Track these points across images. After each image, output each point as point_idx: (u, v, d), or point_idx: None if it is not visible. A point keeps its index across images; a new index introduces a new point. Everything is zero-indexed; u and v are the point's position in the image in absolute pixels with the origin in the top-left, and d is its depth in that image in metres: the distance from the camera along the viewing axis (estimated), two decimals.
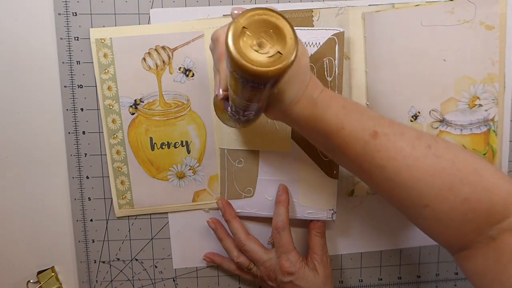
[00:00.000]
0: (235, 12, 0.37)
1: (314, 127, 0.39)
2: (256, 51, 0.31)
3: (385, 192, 0.40)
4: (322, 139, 0.40)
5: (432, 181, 0.37)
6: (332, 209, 0.52)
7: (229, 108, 0.40)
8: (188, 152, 0.53)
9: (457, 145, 0.40)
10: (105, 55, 0.51)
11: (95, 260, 0.56)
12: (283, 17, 0.32)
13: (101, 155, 0.53)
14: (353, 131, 0.38)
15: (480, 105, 0.52)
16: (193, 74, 0.52)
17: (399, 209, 0.41)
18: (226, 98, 0.39)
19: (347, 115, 0.38)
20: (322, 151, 0.42)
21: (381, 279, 0.59)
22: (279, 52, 0.31)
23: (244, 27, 0.31)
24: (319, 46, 0.50)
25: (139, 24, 0.51)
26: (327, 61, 0.50)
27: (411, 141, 0.38)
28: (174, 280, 0.57)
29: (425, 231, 0.41)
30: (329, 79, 0.50)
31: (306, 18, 0.51)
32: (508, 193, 0.37)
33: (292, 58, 0.31)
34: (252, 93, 0.34)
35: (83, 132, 0.53)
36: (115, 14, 0.50)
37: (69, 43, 0.51)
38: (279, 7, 0.51)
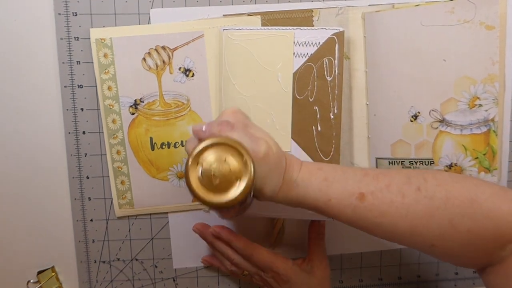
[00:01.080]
0: (195, 128, 0.37)
1: (303, 205, 0.40)
2: (214, 183, 0.33)
3: (390, 240, 0.40)
4: (315, 211, 0.40)
5: (431, 224, 0.37)
6: None
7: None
8: None
9: (448, 175, 0.40)
10: (105, 55, 0.51)
11: (95, 260, 0.56)
12: (233, 143, 0.33)
13: (101, 155, 0.53)
14: (340, 199, 0.38)
15: (480, 105, 0.51)
16: (193, 74, 0.52)
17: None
18: None
19: (330, 187, 0.38)
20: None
21: (381, 279, 0.59)
22: (237, 178, 0.33)
23: (198, 162, 0.33)
24: (318, 45, 0.50)
25: (139, 24, 0.51)
26: (326, 61, 0.50)
27: (400, 190, 0.38)
28: (174, 280, 0.57)
29: (440, 260, 0.42)
30: (329, 78, 0.50)
31: (306, 18, 0.51)
32: (509, 213, 0.36)
33: (249, 182, 0.33)
34: (222, 213, 0.37)
35: (83, 132, 0.53)
36: (115, 14, 0.50)
37: (69, 43, 0.51)
38: (279, 7, 0.51)
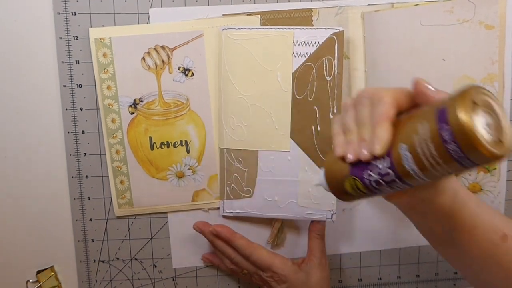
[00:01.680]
0: (425, 86, 0.32)
1: (446, 221, 0.38)
2: (490, 133, 0.28)
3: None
4: (448, 233, 0.39)
5: None
6: (332, 210, 0.52)
7: (367, 177, 0.33)
8: (188, 151, 0.53)
9: None
10: (104, 55, 0.50)
11: (95, 260, 0.56)
12: (500, 105, 0.29)
13: (100, 154, 0.53)
14: (485, 231, 0.38)
15: None
16: (193, 73, 0.52)
17: None
18: (365, 162, 0.32)
19: (481, 215, 0.38)
20: (433, 242, 0.42)
21: (380, 279, 0.59)
22: (500, 139, 0.28)
23: (475, 102, 0.28)
24: (318, 45, 0.50)
25: (139, 23, 0.51)
26: (326, 61, 0.50)
27: None
28: (173, 280, 0.57)
29: None
30: (328, 78, 0.50)
31: (305, 18, 0.51)
32: None
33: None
34: (447, 171, 0.30)
35: (83, 132, 0.53)
36: (114, 13, 0.50)
37: (68, 43, 0.51)
38: (279, 6, 0.51)
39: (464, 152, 0.27)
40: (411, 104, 0.33)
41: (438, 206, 0.36)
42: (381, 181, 0.32)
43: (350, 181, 0.34)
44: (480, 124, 0.27)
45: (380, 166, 0.32)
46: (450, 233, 0.38)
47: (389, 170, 0.31)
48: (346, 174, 0.34)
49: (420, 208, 0.37)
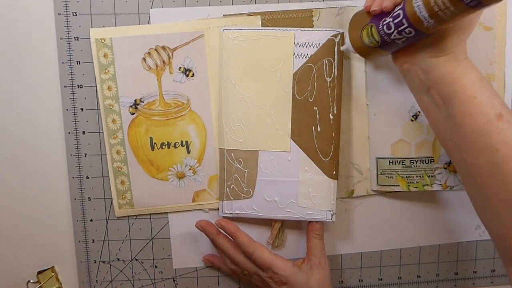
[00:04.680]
0: None
1: (447, 86, 0.40)
2: None
3: (481, 178, 0.40)
4: (446, 103, 0.40)
5: None
6: (332, 210, 0.52)
7: (382, 23, 0.40)
8: (188, 152, 0.53)
9: None
10: (105, 55, 0.51)
11: (95, 260, 0.56)
12: None
13: (101, 155, 0.53)
14: (483, 104, 0.39)
15: None
16: (193, 74, 0.52)
17: (478, 203, 0.41)
18: (381, 13, 0.40)
19: (482, 88, 0.39)
20: (428, 115, 0.44)
21: (381, 279, 0.59)
22: None
23: None
24: (318, 46, 0.50)
25: (139, 24, 0.51)
26: (326, 62, 0.50)
27: None
28: (174, 280, 0.57)
29: (497, 235, 0.41)
30: (328, 79, 0.50)
31: (306, 18, 0.51)
32: None
33: None
34: (454, 13, 0.35)
35: (83, 132, 0.53)
36: (115, 14, 0.51)
37: (69, 43, 0.51)
38: (279, 7, 0.51)
39: None
40: None
41: (439, 67, 0.40)
42: (392, 25, 0.38)
43: (367, 29, 0.42)
44: None
45: (395, 13, 0.38)
46: (449, 101, 0.40)
47: (401, 15, 0.37)
48: (366, 23, 0.42)
49: (422, 73, 0.41)
